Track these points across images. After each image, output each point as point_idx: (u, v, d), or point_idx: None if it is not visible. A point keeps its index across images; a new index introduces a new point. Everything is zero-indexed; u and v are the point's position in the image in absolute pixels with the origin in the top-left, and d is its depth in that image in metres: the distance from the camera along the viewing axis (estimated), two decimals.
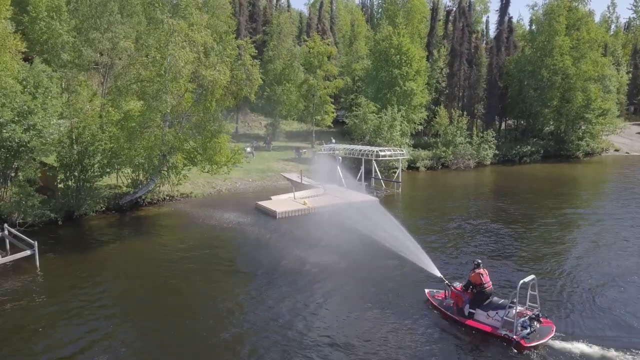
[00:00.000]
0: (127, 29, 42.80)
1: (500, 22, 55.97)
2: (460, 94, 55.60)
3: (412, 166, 45.09)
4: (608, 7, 77.62)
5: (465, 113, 48.82)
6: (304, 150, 47.37)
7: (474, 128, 49.89)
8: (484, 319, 13.95)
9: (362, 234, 21.46)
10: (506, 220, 27.07)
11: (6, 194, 24.94)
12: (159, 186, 29.54)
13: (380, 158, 35.41)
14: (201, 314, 15.58)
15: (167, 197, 30.86)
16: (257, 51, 32.21)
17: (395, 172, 41.08)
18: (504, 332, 13.22)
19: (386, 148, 36.82)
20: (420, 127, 48.76)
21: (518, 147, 52.26)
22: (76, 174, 26.15)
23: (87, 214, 26.41)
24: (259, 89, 31.86)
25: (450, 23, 57.64)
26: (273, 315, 15.20)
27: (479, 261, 14.57)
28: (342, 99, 60.86)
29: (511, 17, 58.53)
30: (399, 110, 41.97)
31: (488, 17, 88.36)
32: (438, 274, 16.56)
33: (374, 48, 49.62)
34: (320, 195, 32.09)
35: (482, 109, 55.72)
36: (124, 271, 19.63)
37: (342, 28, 73.15)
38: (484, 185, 41.06)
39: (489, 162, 48.90)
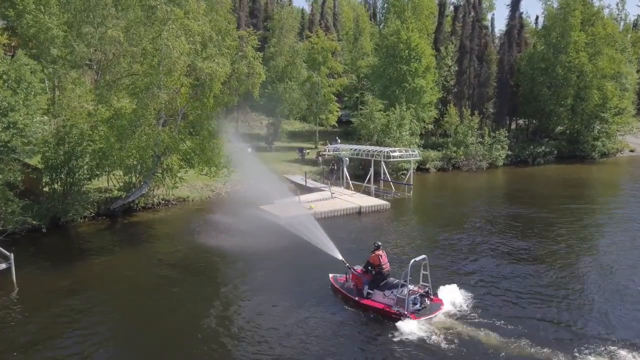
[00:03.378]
0: (122, 23, 40.67)
1: (511, 17, 53.83)
2: (470, 92, 53.39)
3: (421, 167, 42.89)
4: (617, 5, 75.06)
5: (477, 112, 46.60)
6: (308, 150, 45.20)
7: (485, 128, 47.61)
8: (380, 298, 14.81)
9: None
10: (531, 229, 24.92)
11: None
12: (154, 190, 27.35)
13: (392, 159, 33.18)
14: (200, 337, 13.43)
15: (162, 202, 28.60)
16: (259, 44, 30.03)
17: (404, 174, 38.96)
18: (396, 309, 14.13)
19: (397, 148, 34.59)
20: (430, 127, 46.54)
21: (531, 147, 50.02)
22: (63, 176, 23.96)
23: (74, 220, 24.16)
24: (260, 87, 29.78)
25: (458, 19, 55.47)
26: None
27: (379, 243, 15.47)
28: (346, 98, 58.66)
29: (522, 13, 56.46)
30: (407, 108, 39.76)
31: (493, 14, 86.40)
32: (340, 257, 17.16)
33: (381, 43, 47.38)
34: (327, 199, 29.90)
35: (492, 108, 53.53)
36: (112, 287, 17.43)
37: (345, 25, 70.94)
38: (500, 188, 38.92)
39: (501, 164, 46.72)
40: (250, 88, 22.69)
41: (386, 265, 15.10)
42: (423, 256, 14.78)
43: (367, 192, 32.41)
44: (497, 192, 37.46)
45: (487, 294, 16.16)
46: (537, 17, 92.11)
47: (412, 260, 14.24)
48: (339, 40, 60.07)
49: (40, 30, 36.71)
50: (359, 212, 28.16)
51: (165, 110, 21.50)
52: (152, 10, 20.50)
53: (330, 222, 26.59)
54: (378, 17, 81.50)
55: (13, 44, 36.61)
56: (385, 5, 57.48)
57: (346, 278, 16.25)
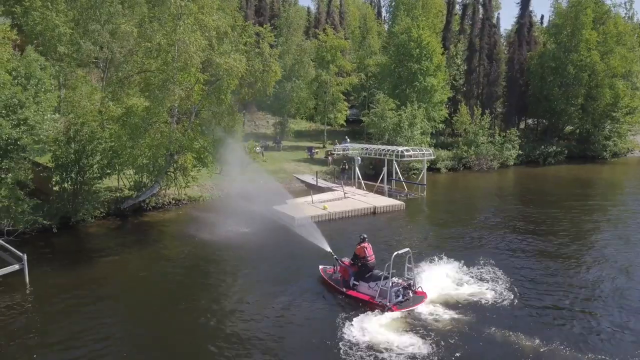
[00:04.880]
0: (122, 20, 40.13)
1: (521, 16, 53.21)
2: (479, 92, 52.79)
3: (432, 167, 42.25)
4: (624, 4, 74.50)
5: (487, 111, 46.01)
6: (316, 150, 44.63)
7: (495, 127, 47.01)
8: (365, 289, 15.35)
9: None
10: (553, 231, 24.37)
11: None
12: (164, 189, 26.80)
13: (406, 158, 32.61)
14: (213, 336, 13.09)
15: (173, 201, 28.05)
16: (275, 41, 29.47)
17: (415, 174, 38.45)
18: (379, 300, 14.59)
19: (410, 148, 34.02)
20: (441, 126, 45.94)
21: (542, 147, 49.40)
22: (73, 175, 23.41)
23: (85, 220, 23.60)
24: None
25: (467, 17, 54.91)
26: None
27: (365, 236, 15.93)
28: (352, 97, 58.06)
29: (531, 12, 55.86)
30: (419, 107, 39.18)
31: (499, 14, 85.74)
32: (328, 249, 17.69)
33: (391, 41, 46.78)
34: (340, 199, 29.34)
35: (501, 107, 52.94)
36: (125, 290, 16.90)
37: (351, 24, 70.34)
38: (513, 188, 38.36)
39: (512, 163, 46.13)
40: (264, 85, 22.04)
41: (371, 258, 15.62)
42: (406, 249, 15.27)
43: (379, 192, 31.84)
44: (511, 192, 36.88)
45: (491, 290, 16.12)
46: (542, 17, 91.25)
47: (395, 253, 14.74)
48: (345, 39, 59.55)
49: (46, 27, 36.28)
50: (374, 212, 27.61)
51: (179, 108, 20.93)
52: (166, 5, 19.92)
53: (345, 222, 26.11)
54: (383, 15, 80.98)
55: (18, 42, 36.07)
56: (393, 3, 56.64)
57: (334, 269, 16.84)
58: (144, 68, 21.04)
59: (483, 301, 15.29)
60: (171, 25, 19.66)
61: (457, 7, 59.30)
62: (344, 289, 15.69)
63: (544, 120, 55.80)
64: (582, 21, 48.20)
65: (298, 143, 49.83)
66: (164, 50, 19.52)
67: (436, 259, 18.77)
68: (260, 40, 21.51)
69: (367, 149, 35.33)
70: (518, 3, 53.24)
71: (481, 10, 52.96)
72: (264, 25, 24.57)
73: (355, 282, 15.67)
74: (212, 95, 20.92)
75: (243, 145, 24.32)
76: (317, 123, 58.34)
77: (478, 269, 17.90)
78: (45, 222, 21.36)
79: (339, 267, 16.58)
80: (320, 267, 17.40)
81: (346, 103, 50.09)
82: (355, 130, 55.36)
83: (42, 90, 22.33)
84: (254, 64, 21.31)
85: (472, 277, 17.11)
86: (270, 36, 23.24)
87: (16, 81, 21.51)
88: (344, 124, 50.99)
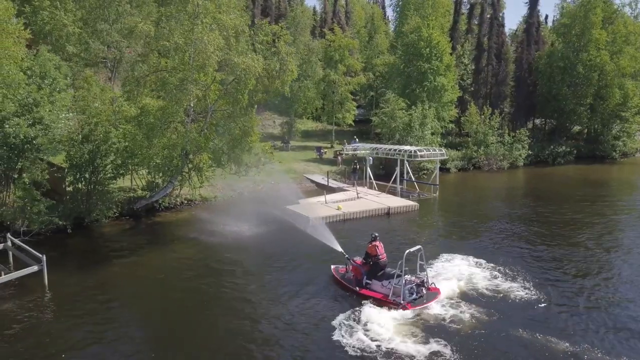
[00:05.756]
0: (137, 19, 39.93)
1: (530, 15, 52.97)
2: (487, 91, 52.54)
3: (441, 167, 41.92)
4: (630, 3, 74.10)
5: (497, 111, 45.79)
6: (325, 150, 44.41)
7: (505, 127, 46.73)
8: (378, 288, 15.42)
9: None
10: (573, 232, 24.19)
11: (8, 198, 22.00)
12: (177, 189, 26.61)
13: (419, 158, 32.39)
14: (229, 337, 12.76)
15: (185, 201, 27.87)
16: (292, 39, 29.20)
17: (426, 174, 38.25)
18: (393, 298, 14.67)
19: (424, 148, 33.82)
20: (452, 126, 45.70)
21: (551, 147, 49.16)
22: (87, 175, 23.22)
23: (98, 220, 23.42)
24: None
25: (474, 16, 54.62)
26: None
27: (376, 234, 16.11)
28: (358, 96, 57.81)
29: (539, 11, 55.60)
30: (429, 107, 38.95)
31: (503, 13, 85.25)
32: (339, 249, 17.80)
33: (401, 41, 46.50)
34: (353, 199, 29.13)
35: (509, 107, 52.68)
36: (145, 292, 16.75)
37: (357, 23, 70.10)
38: (526, 189, 38.13)
39: (521, 164, 45.91)
40: (281, 85, 21.84)
41: (383, 256, 15.75)
42: (418, 247, 15.43)
43: (391, 193, 31.62)
44: (524, 192, 36.65)
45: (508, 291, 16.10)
46: (546, 16, 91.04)
47: (407, 251, 14.89)
48: (352, 39, 59.27)
49: (55, 27, 36.11)
50: (388, 213, 27.39)
51: (195, 107, 20.73)
52: (182, 4, 19.72)
53: (360, 223, 25.90)
54: (387, 14, 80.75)
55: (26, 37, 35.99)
56: (400, 2, 56.34)
57: (346, 269, 16.92)
58: (159, 67, 20.81)
59: (500, 299, 15.35)
60: (188, 24, 19.46)
61: (464, 6, 59.16)
62: (357, 288, 15.77)
63: (551, 121, 55.54)
64: (591, 21, 47.94)
65: (306, 143, 49.63)
66: (182, 50, 19.30)
67: (452, 258, 18.89)
68: (277, 39, 21.29)
69: (377, 149, 35.09)
70: (526, 2, 52.99)
71: (489, 9, 52.64)
72: (280, 24, 24.38)
73: (368, 281, 15.75)
74: (228, 95, 20.69)
75: (259, 145, 24.08)
76: (323, 123, 58.13)
77: (495, 268, 17.92)
78: (61, 222, 21.16)
79: (351, 267, 16.64)
80: (332, 266, 17.50)
81: (354, 102, 49.81)
82: (362, 130, 55.13)
83: (57, 89, 22.19)
84: (269, 63, 21.10)
85: (489, 276, 17.17)
86: (287, 34, 23.05)
87: (31, 80, 21.36)
88: (353, 123, 50.71)
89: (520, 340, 12.96)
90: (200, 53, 18.72)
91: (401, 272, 14.83)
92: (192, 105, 21.27)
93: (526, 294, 15.84)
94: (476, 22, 54.33)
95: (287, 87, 22.94)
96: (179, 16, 20.38)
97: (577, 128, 57.17)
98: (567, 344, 12.70)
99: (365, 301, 15.01)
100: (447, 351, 12.37)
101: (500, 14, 52.74)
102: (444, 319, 14.02)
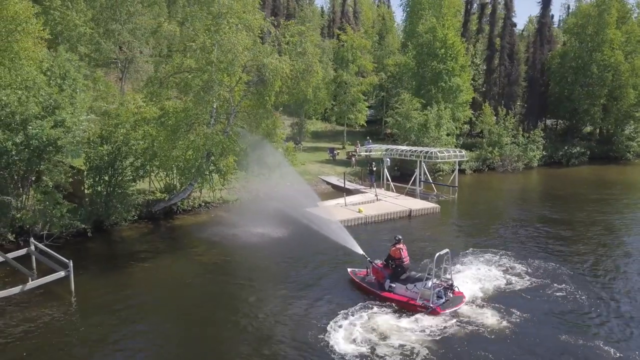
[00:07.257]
0: (149, 20, 39.64)
1: (542, 15, 52.55)
2: (499, 92, 52.09)
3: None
4: (637, 3, 73.68)
5: (511, 112, 45.38)
6: (337, 151, 44.01)
7: (519, 128, 46.28)
8: (402, 291, 15.14)
9: None
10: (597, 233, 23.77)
11: (28, 201, 21.61)
12: (196, 192, 26.23)
13: (439, 160, 31.99)
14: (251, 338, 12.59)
15: (203, 204, 27.49)
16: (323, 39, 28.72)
17: (441, 175, 37.84)
18: (421, 302, 14.45)
19: (444, 149, 33.43)
20: (466, 127, 45.29)
21: (565, 148, 48.73)
22: (106, 178, 22.85)
23: (118, 223, 23.06)
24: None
25: (485, 16, 54.23)
26: None
27: (400, 237, 15.82)
28: (367, 97, 57.35)
29: (550, 11, 55.15)
30: (445, 108, 38.54)
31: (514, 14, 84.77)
32: (360, 251, 17.48)
33: (415, 41, 46.08)
34: (372, 201, 28.73)
35: (521, 107, 52.25)
36: (171, 297, 16.44)
37: (365, 23, 69.74)
38: (543, 190, 37.74)
39: (535, 164, 45.50)
40: (306, 86, 21.46)
41: (406, 259, 15.57)
42: (446, 250, 15.18)
43: (410, 194, 31.21)
44: (541, 193, 36.27)
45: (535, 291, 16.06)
46: (552, 16, 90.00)
47: (437, 254, 14.63)
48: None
49: (66, 27, 35.77)
50: (409, 216, 26.97)
51: (219, 109, 20.34)
52: (207, 4, 19.34)
53: (381, 226, 25.49)
54: (394, 14, 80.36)
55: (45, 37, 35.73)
56: (410, 2, 55.89)
57: (367, 272, 16.66)
58: (183, 68, 20.44)
59: (525, 302, 15.16)
60: (213, 24, 19.08)
61: (475, 6, 58.70)
62: (379, 292, 15.52)
63: (563, 121, 55.11)
64: (606, 20, 47.50)
65: (317, 144, 49.22)
66: (208, 50, 18.91)
67: (475, 260, 18.71)
68: (302, 40, 20.92)
69: (392, 150, 34.68)
70: (539, 2, 52.57)
71: (502, 10, 52.24)
72: (306, 25, 24.00)
73: (392, 285, 15.48)
74: (253, 96, 20.31)
75: (283, 147, 23.69)
76: (332, 124, 57.70)
77: (521, 271, 17.74)
78: (82, 226, 20.78)
79: (371, 270, 16.37)
80: (349, 269, 17.22)
81: (366, 103, 49.39)
82: (372, 130, 54.73)
83: (77, 90, 21.83)
84: (294, 64, 20.71)
85: (514, 279, 16.99)
86: (312, 35, 22.68)
87: (51, 82, 21.00)
88: (365, 124, 50.31)
89: (556, 344, 12.77)
90: (226, 53, 18.32)
91: (430, 275, 14.66)
92: (214, 107, 20.87)
93: (560, 296, 15.64)
94: (487, 22, 53.94)
95: (310, 89, 22.56)
96: (201, 15, 19.98)
97: (588, 129, 56.72)
98: (612, 350, 12.35)
99: (388, 305, 14.82)
100: (472, 353, 12.24)
101: (512, 14, 52.28)
102: (471, 323, 13.84)
